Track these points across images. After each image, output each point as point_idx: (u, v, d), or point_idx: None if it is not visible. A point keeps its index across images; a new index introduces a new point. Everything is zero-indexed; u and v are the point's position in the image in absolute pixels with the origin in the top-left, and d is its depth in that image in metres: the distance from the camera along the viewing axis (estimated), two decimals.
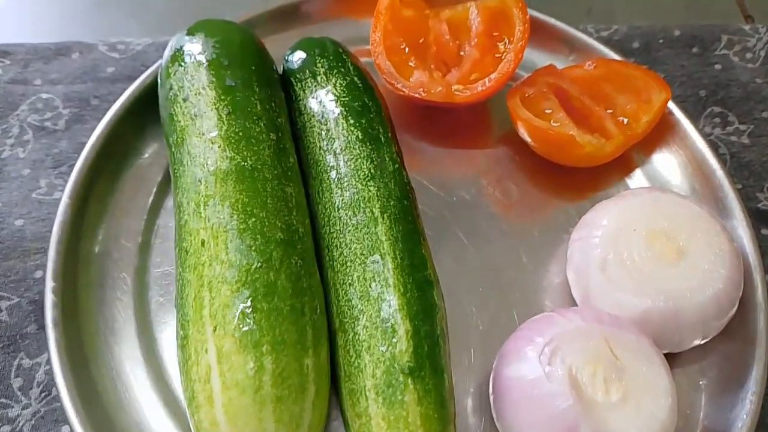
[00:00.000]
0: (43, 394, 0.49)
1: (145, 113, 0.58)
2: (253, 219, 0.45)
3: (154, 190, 0.57)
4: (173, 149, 0.51)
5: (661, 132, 0.61)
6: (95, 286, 0.52)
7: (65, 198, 0.52)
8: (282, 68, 0.59)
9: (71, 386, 0.46)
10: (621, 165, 0.61)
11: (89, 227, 0.54)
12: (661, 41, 0.69)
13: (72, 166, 0.54)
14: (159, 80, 0.55)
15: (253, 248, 0.44)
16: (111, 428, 0.46)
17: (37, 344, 0.51)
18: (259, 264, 0.43)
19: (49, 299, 0.48)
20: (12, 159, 0.59)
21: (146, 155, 0.59)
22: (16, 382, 0.49)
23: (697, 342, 0.51)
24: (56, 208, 0.52)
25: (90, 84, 0.63)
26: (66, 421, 0.47)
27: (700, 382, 0.52)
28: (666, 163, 0.61)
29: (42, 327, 0.51)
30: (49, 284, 0.49)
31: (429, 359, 0.43)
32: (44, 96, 0.62)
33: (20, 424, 0.48)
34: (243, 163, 0.47)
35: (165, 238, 0.55)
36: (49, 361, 0.48)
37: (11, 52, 0.64)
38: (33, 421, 0.48)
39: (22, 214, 0.56)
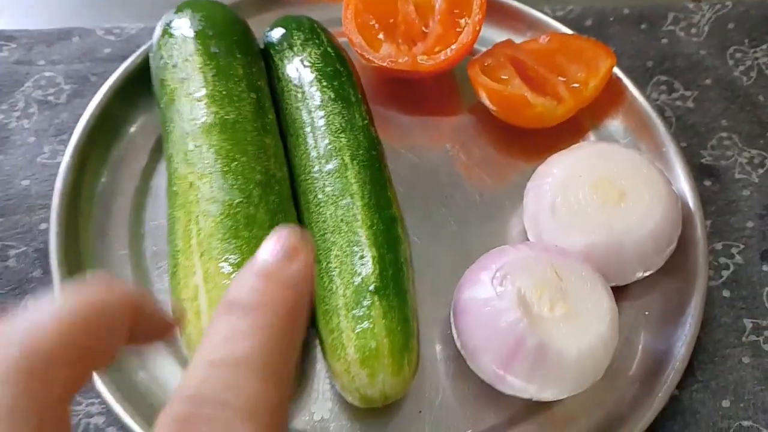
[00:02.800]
0: None
1: (136, 87, 0.63)
2: (235, 163, 0.51)
3: (147, 155, 0.63)
4: (164, 110, 0.57)
5: (611, 98, 0.67)
6: (96, 236, 0.57)
7: (67, 157, 0.58)
8: (263, 44, 0.65)
9: None
10: (575, 129, 0.67)
11: (88, 185, 0.59)
12: (612, 19, 0.75)
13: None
14: (150, 54, 0.61)
15: (235, 187, 0.50)
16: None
17: (42, 287, 0.56)
18: (240, 200, 0.49)
19: (53, 242, 0.54)
20: (18, 129, 0.64)
21: (137, 124, 0.64)
22: None
23: (639, 275, 0.56)
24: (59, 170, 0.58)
25: (88, 63, 0.69)
26: None
27: (645, 313, 0.57)
28: (615, 126, 0.67)
29: (46, 272, 0.56)
30: (54, 228, 0.54)
31: (393, 281, 0.49)
32: (47, 74, 0.68)
33: None
34: (226, 117, 0.53)
35: (157, 197, 0.60)
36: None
37: (16, 37, 0.70)
38: None
39: (28, 176, 0.61)
